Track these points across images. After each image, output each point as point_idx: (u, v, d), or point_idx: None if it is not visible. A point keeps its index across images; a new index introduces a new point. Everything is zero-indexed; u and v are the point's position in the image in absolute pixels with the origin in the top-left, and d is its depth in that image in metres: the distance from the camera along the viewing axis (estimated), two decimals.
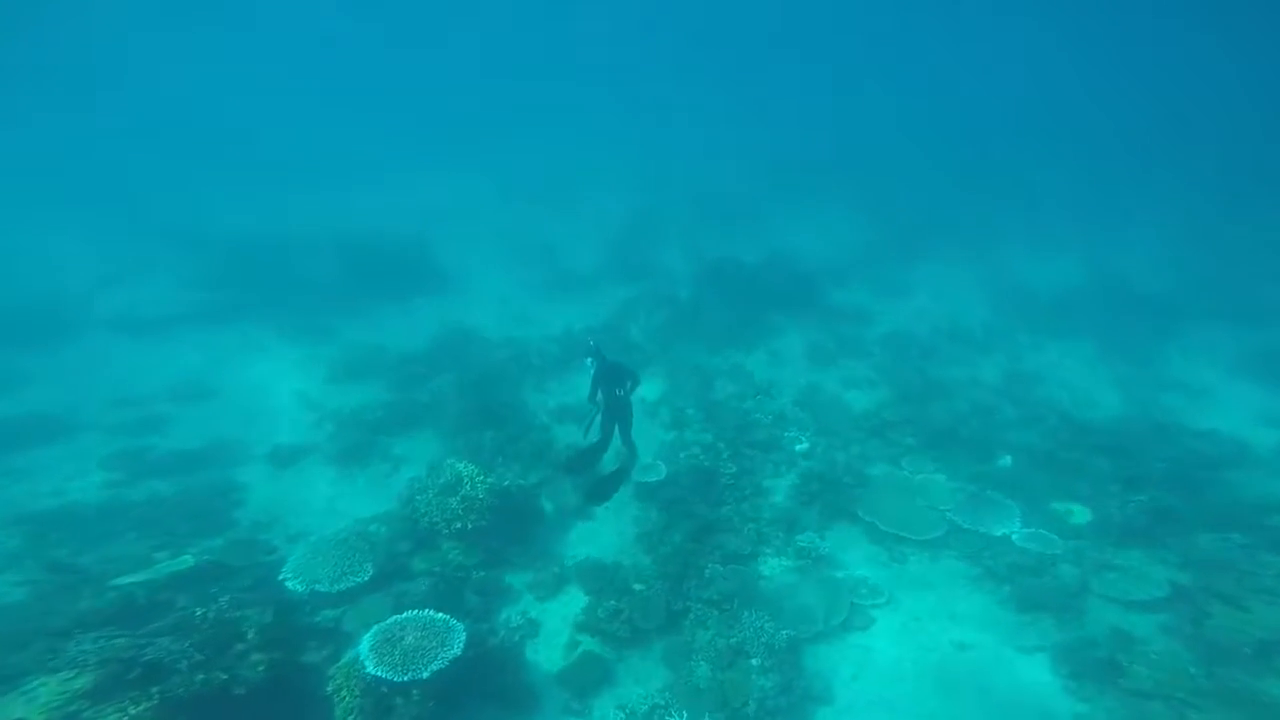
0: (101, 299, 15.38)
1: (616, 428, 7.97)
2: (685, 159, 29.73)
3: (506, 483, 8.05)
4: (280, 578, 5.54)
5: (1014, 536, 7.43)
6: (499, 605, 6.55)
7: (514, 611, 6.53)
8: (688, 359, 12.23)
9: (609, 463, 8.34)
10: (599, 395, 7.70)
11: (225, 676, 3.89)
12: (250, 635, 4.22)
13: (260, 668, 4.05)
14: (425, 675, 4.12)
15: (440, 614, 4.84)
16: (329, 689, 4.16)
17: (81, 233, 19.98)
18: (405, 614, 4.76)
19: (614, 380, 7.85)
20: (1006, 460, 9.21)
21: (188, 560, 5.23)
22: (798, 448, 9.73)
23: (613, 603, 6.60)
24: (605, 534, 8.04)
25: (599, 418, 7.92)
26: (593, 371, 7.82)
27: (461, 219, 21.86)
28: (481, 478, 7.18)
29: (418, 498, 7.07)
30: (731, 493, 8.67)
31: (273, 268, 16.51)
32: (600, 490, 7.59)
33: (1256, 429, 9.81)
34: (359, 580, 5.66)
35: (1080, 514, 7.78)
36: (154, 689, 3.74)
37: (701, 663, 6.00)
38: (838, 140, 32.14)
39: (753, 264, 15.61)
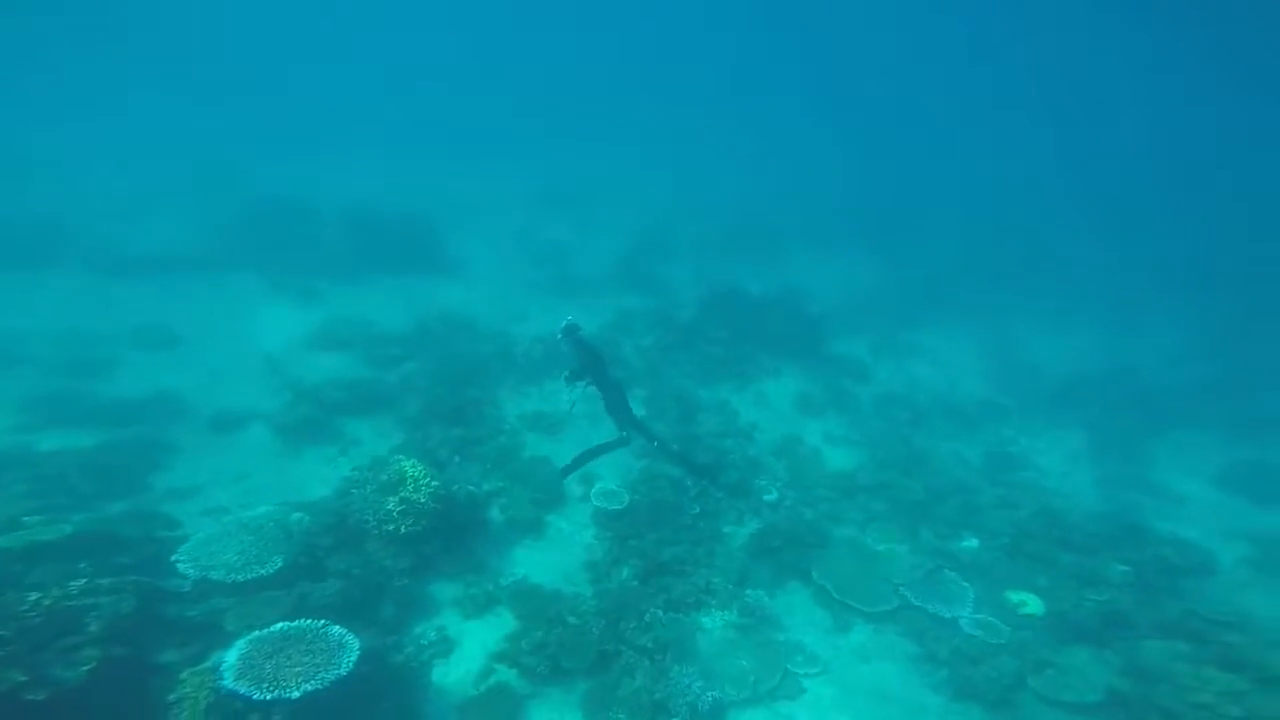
0: (101, 231, 15.00)
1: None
2: (712, 184, 29.67)
3: (456, 486, 7.64)
4: (173, 558, 5.05)
5: (962, 621, 7.21)
6: (415, 618, 6.06)
7: (430, 627, 6.04)
8: (674, 385, 11.84)
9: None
10: (587, 383, 7.23)
11: (23, 678, 3.33)
12: (92, 627, 3.69)
13: (86, 666, 3.50)
14: (294, 695, 3.64)
15: (336, 627, 4.36)
16: (171, 697, 3.65)
17: (110, 165, 19.76)
18: (296, 622, 4.28)
19: (598, 361, 7.40)
20: (972, 542, 8.94)
21: (64, 529, 4.73)
22: (766, 497, 9.37)
23: (540, 633, 6.14)
24: (552, 556, 7.60)
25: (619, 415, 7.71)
26: (567, 348, 7.32)
27: (484, 208, 21.73)
28: (427, 480, 6.73)
29: (354, 491, 6.62)
30: (689, 534, 8.31)
31: (281, 225, 16.23)
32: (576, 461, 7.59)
33: (1226, 542, 9.58)
34: (263, 573, 5.17)
35: (1033, 605, 7.56)
36: None
37: (620, 715, 5.56)
38: (866, 185, 32.08)
39: (759, 297, 15.29)
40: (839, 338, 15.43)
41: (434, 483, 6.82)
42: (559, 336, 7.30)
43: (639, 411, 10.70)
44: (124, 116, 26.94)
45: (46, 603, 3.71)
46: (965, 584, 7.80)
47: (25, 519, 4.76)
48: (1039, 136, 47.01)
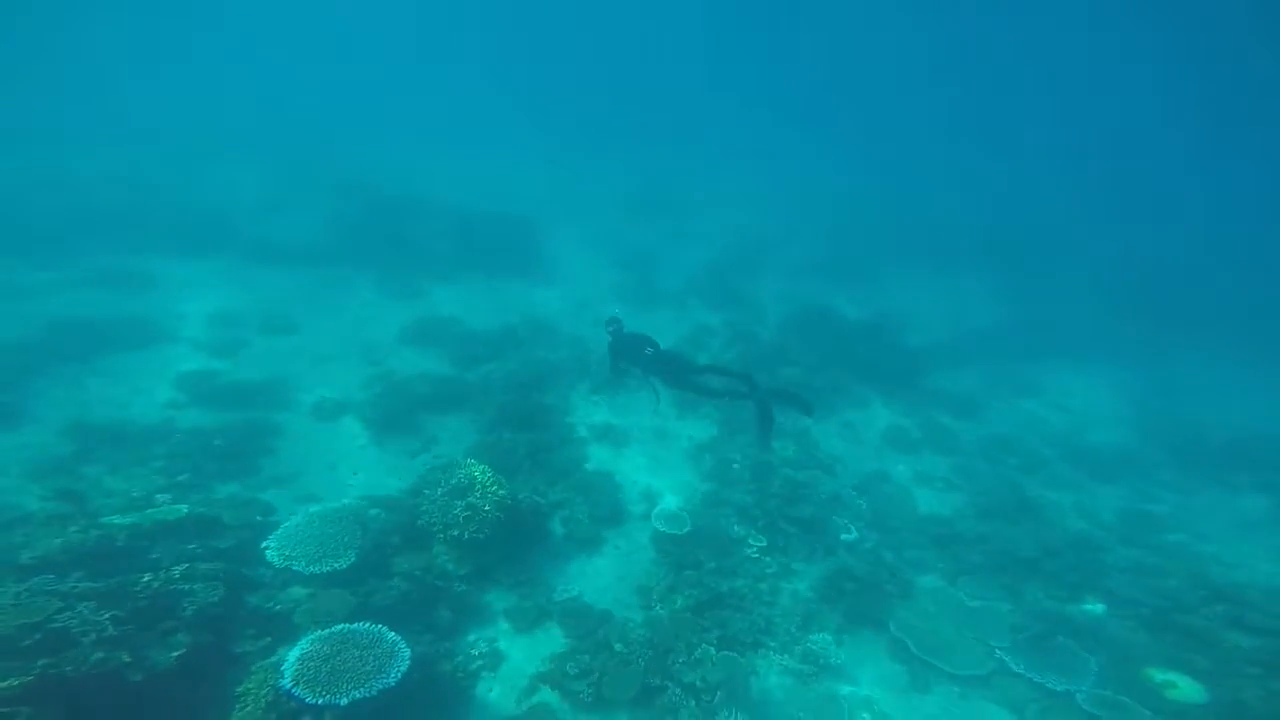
0: (252, 224, 17.14)
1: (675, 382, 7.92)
2: (809, 197, 28.59)
3: (522, 496, 7.93)
4: (263, 545, 5.68)
5: (1080, 696, 6.19)
6: (469, 626, 6.34)
7: (481, 637, 6.28)
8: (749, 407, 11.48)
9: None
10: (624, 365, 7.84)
11: (127, 659, 3.80)
12: (187, 612, 4.24)
13: (176, 652, 3.99)
14: (343, 702, 3.93)
15: (390, 634, 4.66)
16: (239, 689, 4.09)
17: (257, 165, 22.56)
18: (355, 625, 4.63)
19: (636, 345, 7.87)
20: (1097, 607, 7.85)
21: (181, 510, 5.47)
22: (844, 536, 8.86)
23: (586, 658, 6.21)
24: (607, 575, 7.65)
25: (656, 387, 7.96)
26: (610, 342, 7.97)
27: (579, 211, 22.37)
28: (494, 488, 7.02)
29: (425, 491, 7.04)
30: (753, 567, 8.04)
31: (395, 224, 17.63)
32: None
33: None
34: (336, 566, 5.66)
35: (1187, 690, 6.30)
36: (40, 661, 3.62)
37: None
38: (982, 205, 29.36)
39: (852, 320, 14.47)
40: (940, 369, 14.24)
41: (501, 491, 7.09)
42: (606, 327, 8.08)
43: (714, 431, 10.54)
44: (277, 116, 30.44)
45: (155, 585, 4.30)
46: (1086, 654, 6.79)
47: (157, 496, 5.60)
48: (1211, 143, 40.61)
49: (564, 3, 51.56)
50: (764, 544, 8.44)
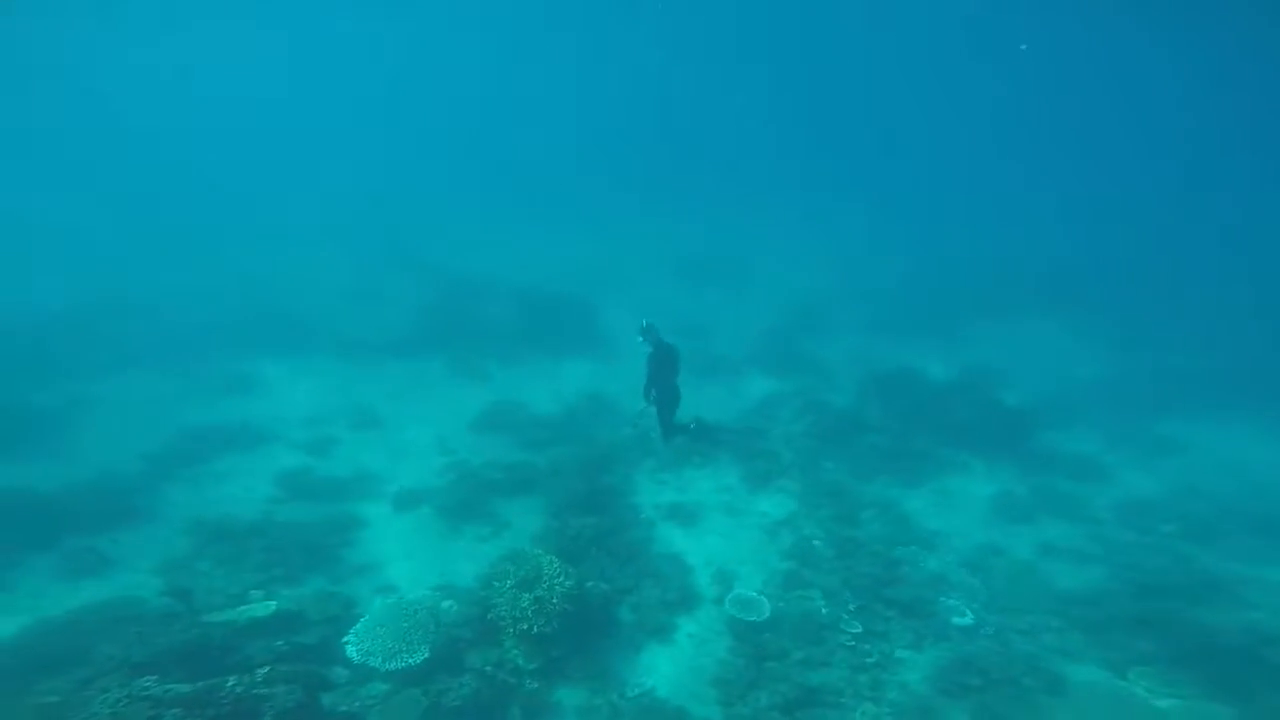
0: (337, 320, 18.90)
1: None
2: (870, 251, 28.19)
3: (589, 583, 7.90)
4: (343, 640, 5.98)
5: None
6: None
7: None
8: (830, 479, 11.00)
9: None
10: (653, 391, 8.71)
11: None
12: (266, 718, 4.52)
13: None
14: None
15: None
16: None
17: (346, 255, 25.16)
18: None
19: (670, 367, 8.58)
20: None
21: (271, 606, 5.94)
22: (957, 620, 8.02)
23: None
24: (681, 666, 7.31)
25: (655, 411, 8.90)
26: (649, 353, 8.49)
27: (636, 279, 23.11)
28: (561, 579, 7.08)
29: (495, 584, 7.19)
30: (847, 656, 7.40)
31: (464, 309, 18.80)
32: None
33: None
34: (411, 662, 5.84)
35: None
36: None
37: None
38: (1075, 246, 27.63)
39: (938, 381, 13.75)
40: (1047, 427, 13.11)
41: (568, 581, 7.12)
42: (638, 340, 8.65)
43: (792, 506, 10.13)
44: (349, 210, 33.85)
45: (239, 690, 4.65)
46: None
47: (252, 592, 6.16)
48: None
49: (614, 63, 54.66)
50: (859, 630, 7.79)
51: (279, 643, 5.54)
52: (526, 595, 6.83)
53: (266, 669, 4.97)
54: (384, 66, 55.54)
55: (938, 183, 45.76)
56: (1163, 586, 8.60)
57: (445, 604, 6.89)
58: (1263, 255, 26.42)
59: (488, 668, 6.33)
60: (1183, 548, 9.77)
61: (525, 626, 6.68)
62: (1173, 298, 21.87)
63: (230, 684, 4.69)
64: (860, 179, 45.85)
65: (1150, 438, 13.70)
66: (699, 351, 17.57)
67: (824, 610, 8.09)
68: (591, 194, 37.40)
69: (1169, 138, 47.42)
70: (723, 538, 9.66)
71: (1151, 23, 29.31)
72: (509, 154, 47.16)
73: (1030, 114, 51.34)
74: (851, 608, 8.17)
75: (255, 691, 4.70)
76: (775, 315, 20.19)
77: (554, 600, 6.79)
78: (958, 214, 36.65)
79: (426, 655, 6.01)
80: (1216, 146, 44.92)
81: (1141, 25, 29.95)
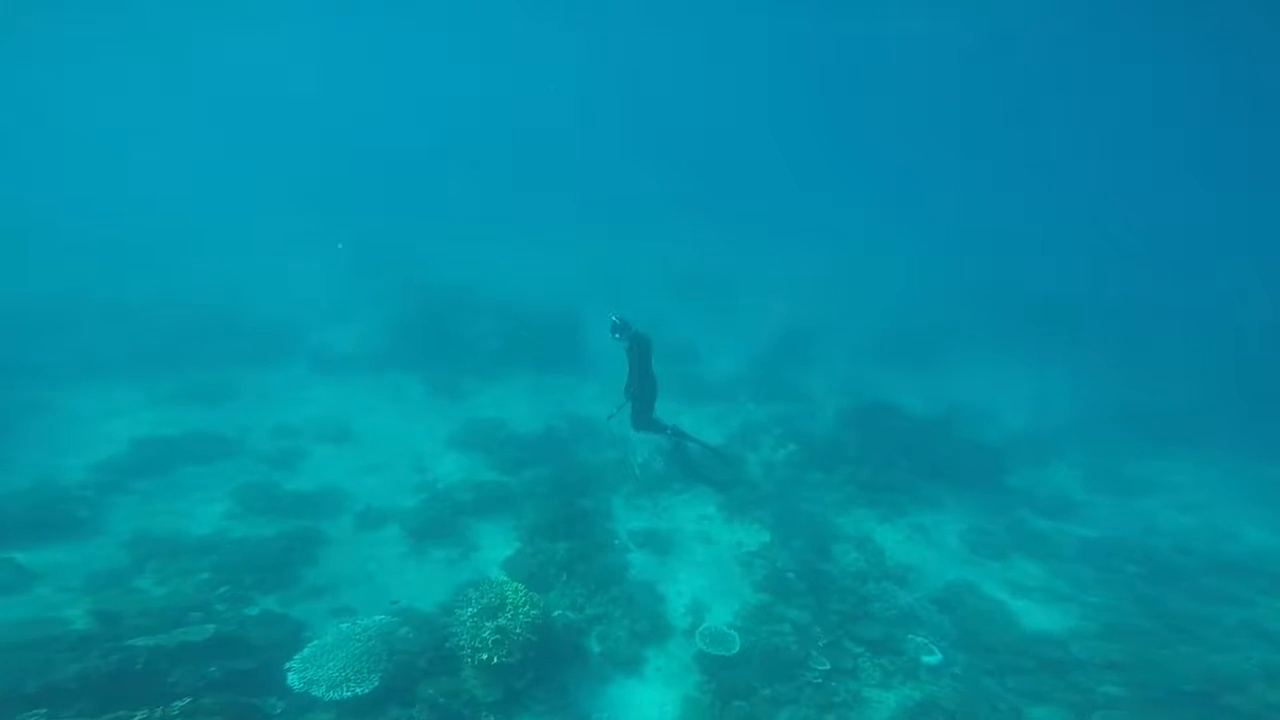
0: (316, 332, 18.72)
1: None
2: (862, 276, 28.59)
3: (557, 612, 7.71)
4: (286, 666, 5.71)
5: None
6: None
7: None
8: (806, 510, 10.93)
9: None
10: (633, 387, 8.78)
11: None
12: None
13: None
14: None
15: None
16: None
17: (324, 263, 24.67)
18: None
19: (647, 356, 8.61)
20: None
21: (208, 629, 5.65)
22: (926, 659, 7.93)
23: None
24: (647, 700, 7.10)
25: (634, 406, 8.90)
26: (627, 346, 8.53)
27: (625, 296, 22.95)
28: (526, 608, 6.88)
29: (457, 611, 6.97)
30: (814, 694, 7.27)
31: (441, 323, 18.49)
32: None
33: None
34: (358, 691, 5.57)
35: None
36: None
37: None
38: (1064, 281, 28.27)
39: (918, 414, 13.84)
40: (1023, 464, 13.29)
41: (533, 611, 6.92)
42: (614, 337, 8.70)
43: (766, 537, 10.03)
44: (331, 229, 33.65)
45: None
46: None
47: (191, 613, 5.83)
48: None
49: (611, 77, 55.38)
50: (828, 667, 7.68)
51: (211, 669, 5.22)
52: (489, 624, 6.62)
53: (187, 700, 4.66)
54: (371, 76, 55.67)
55: (932, 208, 46.80)
56: (1132, 629, 8.61)
57: (402, 630, 6.64)
58: (1241, 300, 27.24)
59: (441, 699, 6.09)
60: (1147, 589, 9.81)
61: (485, 657, 6.46)
62: (1153, 335, 22.41)
63: (137, 718, 4.38)
64: (850, 201, 46.75)
65: (1122, 477, 13.90)
66: (687, 375, 17.55)
67: (794, 646, 7.97)
68: (582, 208, 37.59)
69: (1147, 174, 49.09)
70: (697, 567, 9.52)
71: (1137, 54, 30.04)
72: (500, 169, 47.45)
73: (1025, 142, 52.75)
74: (821, 644, 8.07)
75: None
76: (764, 338, 20.27)
77: (517, 630, 6.58)
78: (950, 240, 37.48)
79: (376, 684, 5.76)
80: (1190, 186, 46.60)
81: (1129, 57, 30.76)
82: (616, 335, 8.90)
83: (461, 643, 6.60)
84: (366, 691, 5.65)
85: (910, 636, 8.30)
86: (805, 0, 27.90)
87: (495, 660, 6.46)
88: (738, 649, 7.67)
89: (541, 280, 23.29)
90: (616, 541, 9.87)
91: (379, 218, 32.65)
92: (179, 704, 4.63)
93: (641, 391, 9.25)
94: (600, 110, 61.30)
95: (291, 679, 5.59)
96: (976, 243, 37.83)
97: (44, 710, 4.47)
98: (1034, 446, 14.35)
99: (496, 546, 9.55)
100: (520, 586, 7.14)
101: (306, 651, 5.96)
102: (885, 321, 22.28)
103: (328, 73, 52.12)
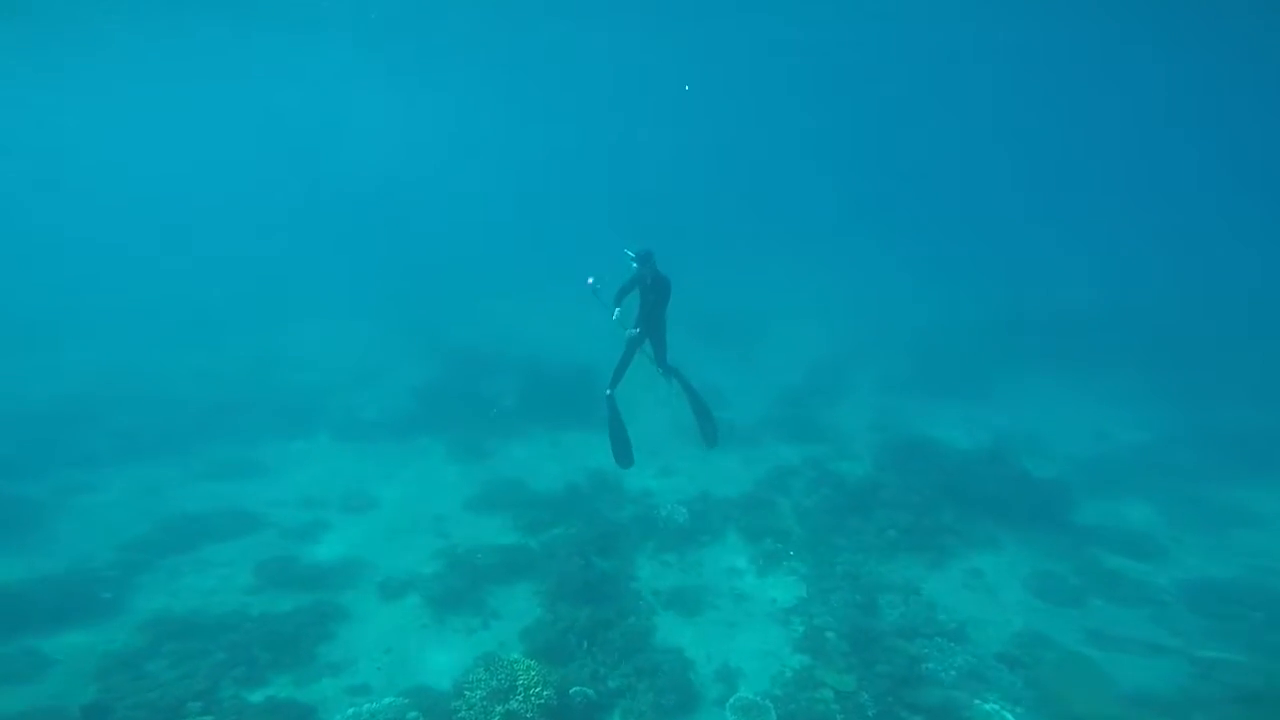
0: (344, 398, 19.09)
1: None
2: (892, 302, 27.90)
3: (574, 689, 7.33)
4: None
5: None
6: None
7: None
8: (844, 560, 10.33)
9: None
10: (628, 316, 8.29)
11: None
12: None
13: None
14: None
15: None
16: None
17: (356, 330, 25.41)
18: None
19: (663, 295, 8.23)
20: None
21: None
22: None
23: None
24: None
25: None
26: (636, 270, 8.12)
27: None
28: (539, 689, 6.58)
29: (467, 693, 6.71)
30: None
31: (463, 384, 18.70)
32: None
33: None
34: None
35: None
36: None
37: None
38: (1121, 292, 26.90)
39: (962, 447, 13.13)
40: (1090, 497, 12.31)
41: (546, 691, 6.62)
42: (632, 266, 8.14)
43: (802, 591, 9.46)
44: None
45: None
46: None
47: (189, 704, 5.78)
48: None
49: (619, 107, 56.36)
50: None
51: None
52: (498, 708, 6.34)
53: None
54: (402, 138, 58.57)
55: (958, 229, 45.76)
56: (1270, 693, 7.34)
57: (410, 715, 6.42)
58: None
59: None
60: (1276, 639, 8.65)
61: None
62: (1212, 344, 20.87)
63: None
64: (880, 227, 46.10)
65: (1211, 506, 12.63)
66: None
67: (838, 716, 7.37)
68: (606, 255, 37.80)
69: (1194, 180, 47.14)
70: (728, 628, 9.03)
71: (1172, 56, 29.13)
72: (524, 222, 48.67)
73: (1056, 155, 51.61)
74: (870, 714, 7.43)
75: None
76: (791, 375, 19.82)
77: (529, 715, 6.29)
78: (978, 261, 36.39)
79: None
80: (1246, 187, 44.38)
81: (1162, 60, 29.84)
82: (632, 257, 8.25)
83: None
84: None
85: (977, 701, 7.56)
86: (841, 35, 27.98)
87: None
88: None
89: (567, 333, 23.47)
90: (642, 603, 9.48)
91: (409, 277, 33.73)
92: None
93: (655, 335, 8.96)
94: (633, 152, 62.98)
95: None
96: (1001, 256, 36.62)
97: None
98: (1096, 475, 13.29)
99: (517, 613, 9.29)
100: (533, 665, 6.86)
101: None
102: (917, 345, 21.49)
103: (368, 134, 55.58)
